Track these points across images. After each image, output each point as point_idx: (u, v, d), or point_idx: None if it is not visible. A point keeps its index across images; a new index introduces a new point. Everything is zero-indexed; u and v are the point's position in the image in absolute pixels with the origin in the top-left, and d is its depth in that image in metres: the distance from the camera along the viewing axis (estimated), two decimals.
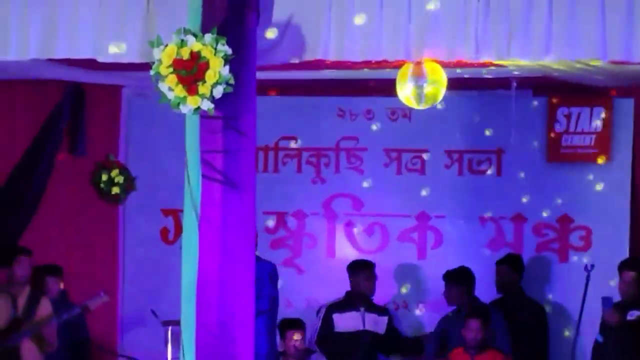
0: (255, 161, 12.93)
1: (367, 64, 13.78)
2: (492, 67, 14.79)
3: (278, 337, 16.15)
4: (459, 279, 16.57)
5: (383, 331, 16.55)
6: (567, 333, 16.63)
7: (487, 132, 17.48)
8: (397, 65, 14.07)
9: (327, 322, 16.76)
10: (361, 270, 16.67)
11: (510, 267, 16.79)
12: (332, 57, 13.05)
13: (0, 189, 17.63)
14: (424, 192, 17.70)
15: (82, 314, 16.54)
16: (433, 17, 12.81)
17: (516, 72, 15.36)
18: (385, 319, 16.55)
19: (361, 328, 16.55)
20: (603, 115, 17.03)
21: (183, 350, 12.35)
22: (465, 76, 15.08)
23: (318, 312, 16.73)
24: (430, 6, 12.73)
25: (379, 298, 16.85)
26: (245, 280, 12.70)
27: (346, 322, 16.62)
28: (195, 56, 12.00)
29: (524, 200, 17.46)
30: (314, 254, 17.67)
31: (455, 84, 14.71)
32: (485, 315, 15.99)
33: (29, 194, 17.60)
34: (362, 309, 16.57)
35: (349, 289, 16.86)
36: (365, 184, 17.73)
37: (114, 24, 13.21)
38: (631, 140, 16.94)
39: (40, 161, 17.61)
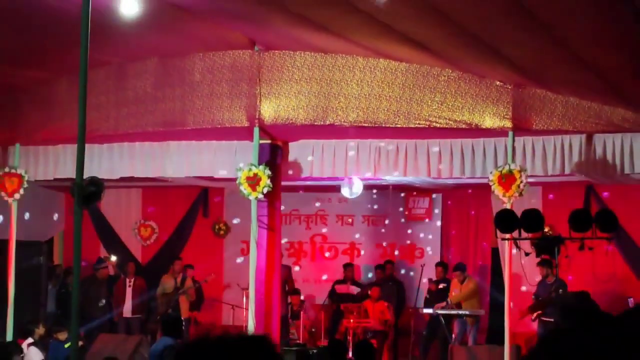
0: (280, 219, 13.61)
1: (330, 178, 13.88)
2: (381, 180, 15.09)
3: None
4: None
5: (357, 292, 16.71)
6: None
7: (379, 207, 17.70)
8: (341, 179, 14.52)
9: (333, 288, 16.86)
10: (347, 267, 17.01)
11: (391, 266, 17.03)
12: (315, 175, 13.42)
13: (170, 237, 17.86)
14: (353, 233, 17.91)
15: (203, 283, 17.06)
16: (354, 160, 13.01)
17: (391, 181, 15.37)
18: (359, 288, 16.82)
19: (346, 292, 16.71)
20: (428, 200, 17.47)
21: (250, 302, 12.60)
22: (370, 182, 15.38)
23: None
24: (353, 153, 12.96)
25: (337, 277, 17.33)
26: (276, 271, 13.05)
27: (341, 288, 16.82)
28: (255, 175, 12.31)
29: (396, 237, 17.66)
30: (306, 260, 17.98)
31: (365, 187, 15.40)
32: (379, 286, 16.26)
33: (182, 237, 17.84)
34: (349, 282, 16.83)
35: (324, 275, 17.51)
36: (329, 230, 18.03)
37: (221, 161, 13.34)
38: (441, 207, 17.41)
39: (188, 223, 17.99)
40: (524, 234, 11.12)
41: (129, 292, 16.24)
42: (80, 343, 9.93)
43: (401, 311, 16.39)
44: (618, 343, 1.11)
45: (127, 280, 16.38)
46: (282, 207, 13.69)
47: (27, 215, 16.03)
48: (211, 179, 14.65)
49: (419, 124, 11.74)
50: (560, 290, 13.16)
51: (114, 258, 17.18)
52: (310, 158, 13.14)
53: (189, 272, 16.78)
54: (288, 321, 16.00)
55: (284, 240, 15.12)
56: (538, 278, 14.21)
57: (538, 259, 13.22)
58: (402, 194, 17.30)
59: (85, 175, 7.35)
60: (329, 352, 10.91)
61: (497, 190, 11.73)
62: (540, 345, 1.55)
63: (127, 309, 16.17)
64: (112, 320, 16.22)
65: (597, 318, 1.45)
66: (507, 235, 11.30)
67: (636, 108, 11.04)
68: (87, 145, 7.58)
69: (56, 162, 13.74)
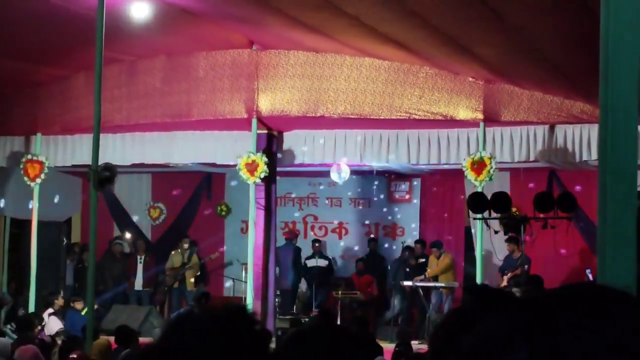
0: (276, 202, 13.64)
1: (321, 164, 13.89)
2: (366, 166, 14.96)
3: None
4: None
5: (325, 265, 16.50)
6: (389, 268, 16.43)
7: (364, 190, 17.22)
8: (331, 165, 14.33)
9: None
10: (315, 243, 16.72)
11: (374, 243, 16.85)
12: (307, 161, 13.48)
13: (177, 218, 17.65)
14: (341, 214, 17.54)
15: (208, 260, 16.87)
16: (342, 148, 13.02)
17: (375, 166, 15.23)
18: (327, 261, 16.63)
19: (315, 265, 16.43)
20: (408, 184, 17.14)
21: (249, 275, 12.77)
22: (357, 168, 15.02)
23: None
24: (341, 142, 12.95)
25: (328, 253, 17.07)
26: (270, 249, 13.12)
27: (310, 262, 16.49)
28: (253, 162, 12.39)
29: (379, 217, 17.40)
30: (300, 238, 17.03)
31: (352, 172, 14.98)
32: (363, 261, 16.20)
33: (188, 217, 17.57)
34: (317, 256, 16.48)
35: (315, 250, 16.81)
36: (319, 211, 17.60)
37: (223, 149, 13.29)
38: (420, 190, 16.98)
39: (193, 204, 17.66)
40: (494, 214, 11.29)
41: (139, 267, 16.03)
42: (96, 306, 9.96)
43: (384, 283, 16.12)
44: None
45: (138, 256, 16.22)
46: (277, 191, 13.66)
47: (56, 199, 16.07)
48: (214, 165, 14.62)
49: (400, 115, 11.86)
50: (526, 266, 13.24)
51: (128, 236, 17.15)
52: (303, 146, 13.17)
53: (185, 241, 16.41)
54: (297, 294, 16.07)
55: (279, 220, 14.69)
56: (506, 253, 14.09)
57: (506, 237, 13.25)
58: (385, 179, 17.11)
59: (100, 162, 7.69)
60: (319, 320, 11.10)
61: (470, 175, 11.87)
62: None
63: (137, 283, 15.99)
64: (124, 292, 16.09)
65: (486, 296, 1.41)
66: (479, 215, 11.48)
67: (593, 101, 10.92)
68: (101, 135, 7.84)
69: (74, 150, 13.74)
